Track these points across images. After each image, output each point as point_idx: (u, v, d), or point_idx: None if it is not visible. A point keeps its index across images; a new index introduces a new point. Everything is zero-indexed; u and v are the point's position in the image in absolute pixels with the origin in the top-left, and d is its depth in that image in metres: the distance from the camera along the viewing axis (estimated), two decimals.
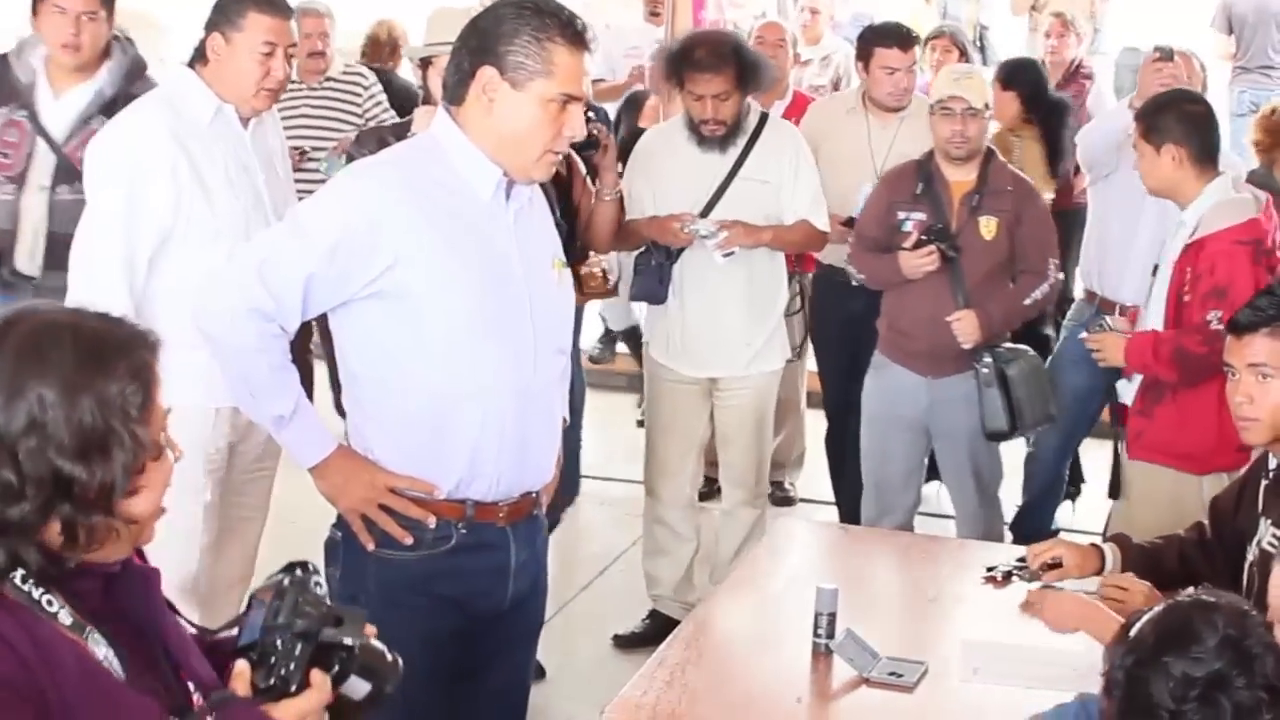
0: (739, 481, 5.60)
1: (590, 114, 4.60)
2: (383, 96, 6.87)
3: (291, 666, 2.15)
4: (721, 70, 5.16)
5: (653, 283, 5.20)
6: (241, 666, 2.15)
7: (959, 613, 3.83)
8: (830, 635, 3.52)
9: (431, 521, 3.19)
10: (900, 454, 5.40)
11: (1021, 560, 3.91)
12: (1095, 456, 6.35)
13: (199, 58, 4.23)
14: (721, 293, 5.32)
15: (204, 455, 4.26)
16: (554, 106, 3.08)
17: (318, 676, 2.18)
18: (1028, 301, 5.26)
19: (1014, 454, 5.83)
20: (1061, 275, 5.33)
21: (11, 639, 1.93)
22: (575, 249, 4.89)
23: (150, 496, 2.13)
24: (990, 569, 3.91)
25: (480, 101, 3.10)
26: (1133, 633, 2.40)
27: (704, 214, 5.20)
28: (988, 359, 5.15)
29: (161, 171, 4.11)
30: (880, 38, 6.05)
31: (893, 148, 5.87)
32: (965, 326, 5.13)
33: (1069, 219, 6.40)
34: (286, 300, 3.07)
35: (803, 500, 6.82)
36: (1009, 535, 6.18)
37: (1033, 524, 6.06)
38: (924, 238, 5.11)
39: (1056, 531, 6.11)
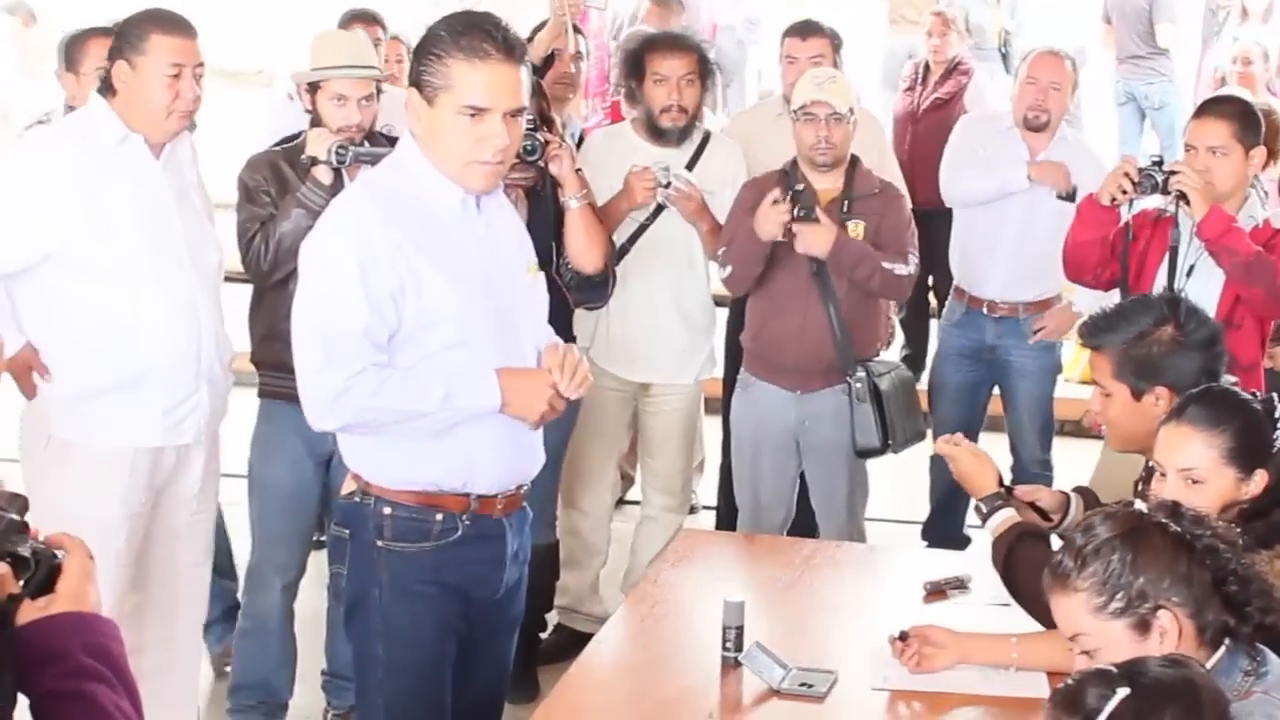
0: (665, 488, 5.65)
1: (529, 125, 4.60)
2: None
3: (30, 550, 2.08)
4: (687, 51, 5.31)
5: (596, 286, 5.08)
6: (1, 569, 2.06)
7: (865, 620, 3.83)
8: (738, 648, 3.51)
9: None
10: (771, 473, 5.35)
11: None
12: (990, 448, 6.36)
13: (107, 88, 4.13)
14: (660, 297, 5.37)
15: (121, 499, 4.18)
16: (464, 120, 3.22)
17: (66, 540, 2.14)
18: (885, 264, 5.06)
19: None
20: (916, 268, 5.22)
21: None
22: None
23: None
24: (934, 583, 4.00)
25: (413, 120, 3.30)
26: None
27: (652, 217, 5.30)
28: (861, 373, 5.09)
29: (46, 198, 4.02)
30: (788, 29, 6.05)
31: None
32: (815, 234, 4.96)
33: (942, 219, 6.40)
34: (361, 357, 3.24)
35: (705, 507, 6.81)
36: (922, 541, 6.21)
37: (944, 526, 6.08)
38: (785, 198, 4.94)
39: (968, 539, 6.12)
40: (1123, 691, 2.15)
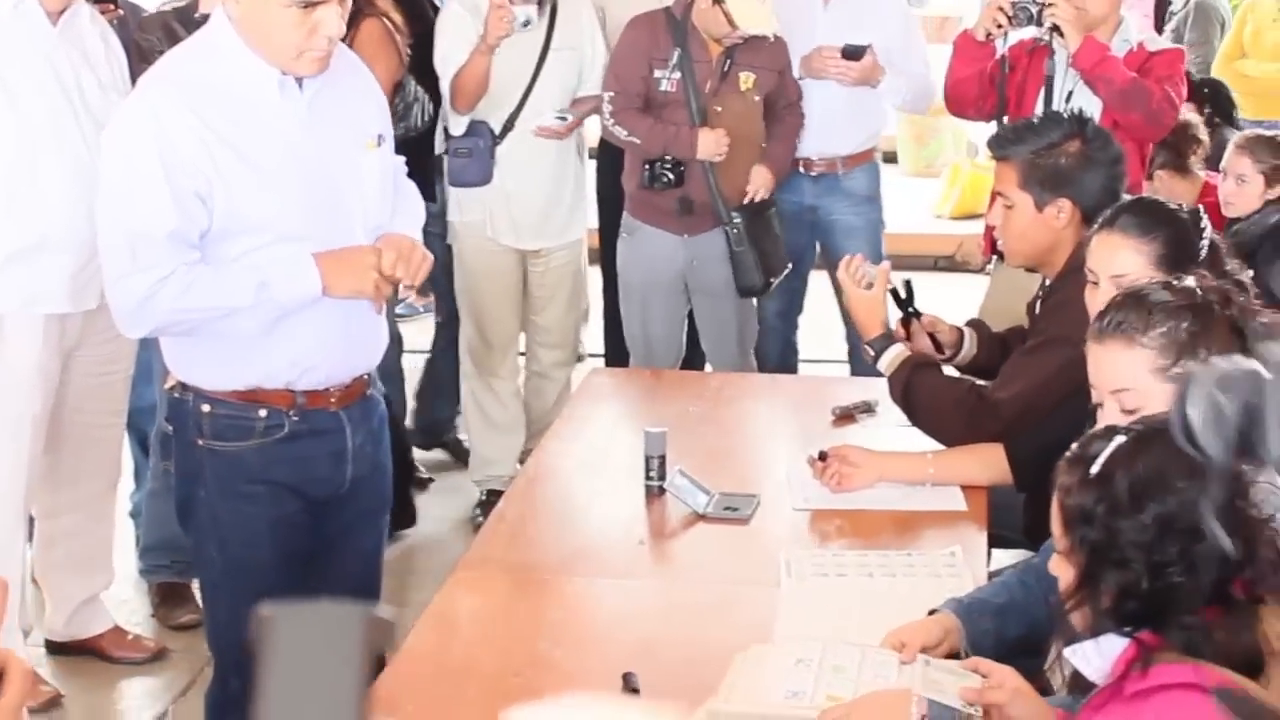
0: (557, 343, 5.71)
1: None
2: None
3: None
4: None
5: (480, 164, 5.24)
6: None
7: (780, 445, 3.93)
8: (662, 477, 3.59)
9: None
10: (662, 316, 5.43)
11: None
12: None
13: None
14: (543, 163, 5.37)
15: (35, 365, 4.12)
16: (294, 12, 2.96)
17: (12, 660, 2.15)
18: (796, 139, 5.37)
19: None
20: None
21: None
22: None
23: None
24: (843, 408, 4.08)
25: (231, 4, 3.03)
26: (1096, 470, 2.13)
27: (528, 90, 5.28)
28: (738, 218, 5.18)
29: None
30: None
31: None
32: (763, 180, 5.21)
33: None
34: (170, 259, 3.00)
35: (590, 355, 6.87)
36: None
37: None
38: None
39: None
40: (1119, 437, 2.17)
